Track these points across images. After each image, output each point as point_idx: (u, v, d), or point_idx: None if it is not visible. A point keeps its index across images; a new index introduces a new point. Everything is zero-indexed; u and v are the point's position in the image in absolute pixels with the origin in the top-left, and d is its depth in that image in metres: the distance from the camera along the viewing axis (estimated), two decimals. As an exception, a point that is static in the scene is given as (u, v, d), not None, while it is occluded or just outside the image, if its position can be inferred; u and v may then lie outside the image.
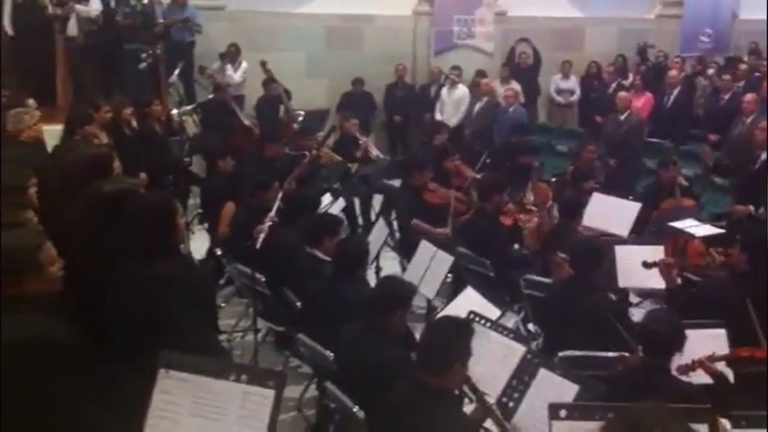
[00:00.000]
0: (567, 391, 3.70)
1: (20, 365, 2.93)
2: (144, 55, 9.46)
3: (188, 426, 2.84)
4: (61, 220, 4.17)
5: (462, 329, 3.46)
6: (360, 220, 8.90)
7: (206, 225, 7.84)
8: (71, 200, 4.29)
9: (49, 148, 6.64)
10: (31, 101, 6.72)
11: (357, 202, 8.86)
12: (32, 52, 10.34)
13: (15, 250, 3.16)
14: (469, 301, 4.73)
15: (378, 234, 6.44)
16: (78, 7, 9.90)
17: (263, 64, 10.73)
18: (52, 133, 7.18)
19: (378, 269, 6.57)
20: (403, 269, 6.60)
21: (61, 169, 4.74)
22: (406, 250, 6.92)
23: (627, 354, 4.22)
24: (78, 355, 3.06)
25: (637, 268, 5.32)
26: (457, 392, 3.58)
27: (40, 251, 3.19)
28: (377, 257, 6.42)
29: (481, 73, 12.30)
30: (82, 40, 10.07)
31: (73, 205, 4.26)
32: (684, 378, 3.89)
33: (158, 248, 3.58)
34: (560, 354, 4.67)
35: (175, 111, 9.42)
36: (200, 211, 8.15)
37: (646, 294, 6.52)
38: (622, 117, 9.88)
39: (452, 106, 11.94)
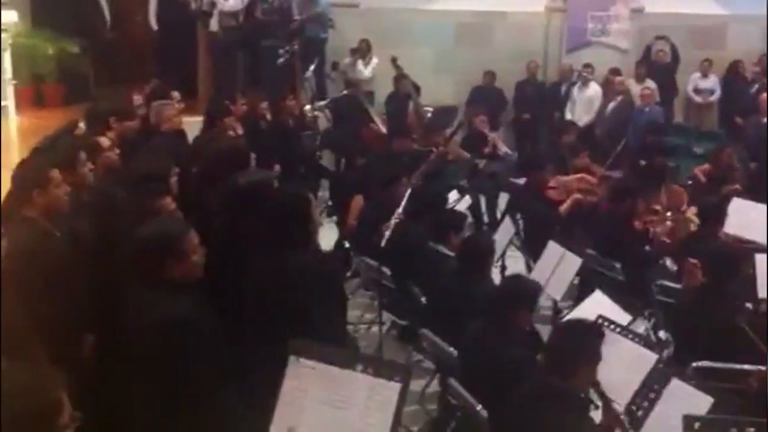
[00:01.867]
0: (700, 402, 3.56)
1: (160, 345, 3.07)
2: (281, 51, 9.74)
3: (315, 413, 2.90)
4: (201, 210, 4.36)
5: (592, 332, 3.39)
6: (485, 218, 8.85)
7: (334, 218, 7.98)
8: (210, 191, 4.48)
9: (191, 139, 6.93)
10: (175, 94, 7.04)
11: (483, 199, 8.81)
12: (175, 46, 10.83)
13: (160, 236, 3.30)
14: (598, 305, 4.62)
15: (504, 232, 6.39)
16: (220, 3, 10.29)
17: (394, 60, 10.82)
18: (192, 125, 7.49)
19: (503, 268, 6.52)
20: (529, 269, 6.52)
21: (201, 160, 4.95)
22: (531, 249, 6.84)
23: (764, 368, 4.03)
24: (215, 338, 3.18)
25: (779, 278, 5.06)
26: (583, 396, 3.51)
27: (183, 238, 3.30)
28: (503, 256, 6.38)
29: (614, 71, 11.99)
30: (222, 35, 10.48)
31: (211, 195, 4.45)
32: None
33: (295, 240, 3.67)
34: (693, 364, 4.50)
35: (308, 107, 9.63)
36: (329, 203, 8.31)
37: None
38: (766, 119, 9.40)
39: (583, 104, 11.70)
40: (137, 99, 7.39)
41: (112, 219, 4.25)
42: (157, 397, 3.06)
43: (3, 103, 10.27)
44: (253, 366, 3.40)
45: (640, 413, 3.73)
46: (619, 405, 3.61)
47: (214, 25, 10.49)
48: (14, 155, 9.41)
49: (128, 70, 10.05)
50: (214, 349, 3.14)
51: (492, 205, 9.01)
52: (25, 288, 3.45)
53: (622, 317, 4.47)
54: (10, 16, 10.29)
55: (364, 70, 11.27)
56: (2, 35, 10.09)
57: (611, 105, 11.26)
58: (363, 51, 11.35)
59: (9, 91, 10.33)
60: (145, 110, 6.88)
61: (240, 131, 7.10)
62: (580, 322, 3.47)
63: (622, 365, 3.86)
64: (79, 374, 3.18)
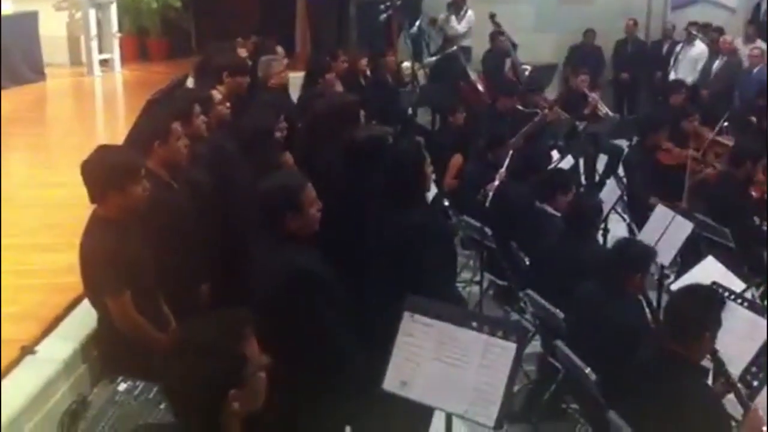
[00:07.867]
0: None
1: (283, 295, 3.14)
2: (382, 7, 9.69)
3: (429, 369, 2.93)
4: (311, 165, 4.39)
5: (714, 298, 3.31)
6: (583, 180, 8.70)
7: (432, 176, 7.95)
8: (321, 146, 4.50)
9: (292, 94, 6.97)
10: (279, 49, 7.08)
11: (581, 161, 8.65)
12: (275, 2, 10.90)
13: (281, 189, 3.34)
14: (709, 271, 4.51)
15: (609, 194, 6.28)
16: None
17: (492, 16, 10.66)
18: (292, 81, 7.52)
19: (605, 231, 6.41)
20: (631, 232, 6.39)
21: (312, 115, 4.96)
22: (634, 212, 6.70)
23: None
24: (334, 290, 3.23)
25: None
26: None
27: (302, 192, 3.32)
28: (606, 218, 6.26)
29: (719, 30, 11.54)
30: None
31: (321, 150, 4.48)
32: None
33: (409, 196, 3.68)
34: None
35: (406, 63, 9.57)
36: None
37: None
38: None
39: (688, 64, 11.29)
40: (241, 53, 7.45)
41: (225, 171, 4.33)
42: (278, 347, 3.12)
43: (108, 56, 10.57)
44: (368, 320, 3.44)
45: (755, 384, 3.65)
46: (733, 374, 3.52)
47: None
48: (119, 107, 9.71)
49: (229, 26, 10.15)
50: (333, 300, 3.19)
51: (591, 167, 8.85)
52: (146, 238, 3.53)
53: (736, 284, 4.35)
54: (116, -29, 10.52)
55: (458, 26, 11.12)
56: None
57: (716, 65, 10.86)
58: (457, 5, 11.19)
59: (115, 44, 10.62)
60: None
61: (340, 88, 7.12)
62: (702, 288, 3.38)
63: (736, 333, 3.77)
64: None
